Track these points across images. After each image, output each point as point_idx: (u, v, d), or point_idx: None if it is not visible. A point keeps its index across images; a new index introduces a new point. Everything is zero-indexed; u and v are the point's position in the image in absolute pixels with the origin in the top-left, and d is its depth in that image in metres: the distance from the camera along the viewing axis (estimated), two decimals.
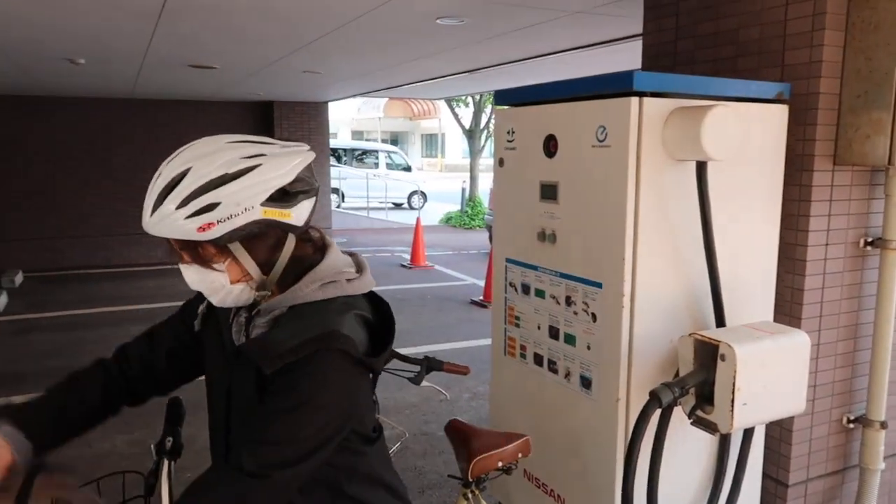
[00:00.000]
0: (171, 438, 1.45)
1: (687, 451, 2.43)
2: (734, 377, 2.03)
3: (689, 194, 2.27)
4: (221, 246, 1.18)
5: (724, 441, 2.47)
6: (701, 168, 2.24)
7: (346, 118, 32.48)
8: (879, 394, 2.71)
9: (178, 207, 1.13)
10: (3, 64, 6.41)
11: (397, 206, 19.93)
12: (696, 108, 2.18)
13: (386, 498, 1.33)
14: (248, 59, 6.34)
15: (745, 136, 2.30)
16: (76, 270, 9.87)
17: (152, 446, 1.52)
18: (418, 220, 11.16)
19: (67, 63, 6.31)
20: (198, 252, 1.19)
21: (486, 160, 18.60)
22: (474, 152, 17.63)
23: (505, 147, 2.83)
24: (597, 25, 4.66)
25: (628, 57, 5.51)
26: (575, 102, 2.45)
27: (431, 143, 38.93)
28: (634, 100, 2.19)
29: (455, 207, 17.63)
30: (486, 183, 16.28)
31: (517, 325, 2.79)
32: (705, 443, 2.48)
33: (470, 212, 16.54)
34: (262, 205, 1.15)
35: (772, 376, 2.12)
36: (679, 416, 2.25)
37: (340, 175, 18.14)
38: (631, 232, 2.24)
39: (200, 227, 1.13)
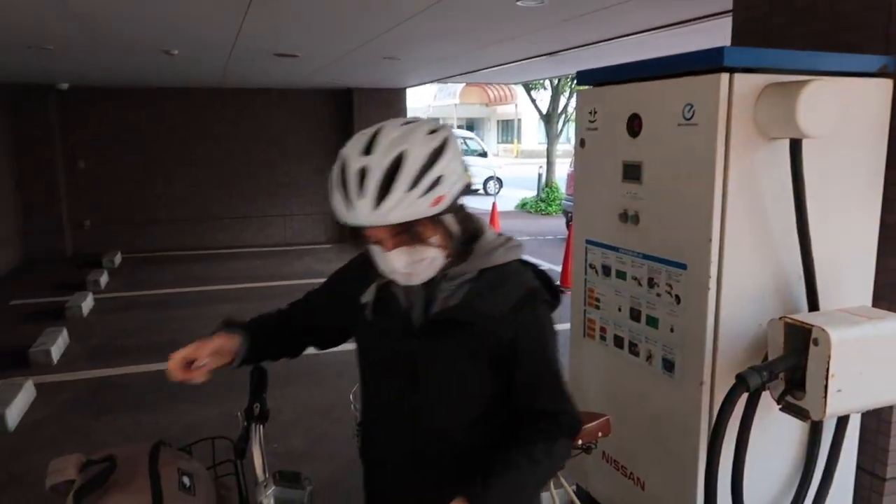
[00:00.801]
0: (258, 405, 1.52)
1: (775, 439, 2.36)
2: (828, 363, 1.95)
3: (782, 174, 2.18)
4: (436, 219, 1.24)
5: (816, 430, 2.38)
6: (795, 146, 2.15)
7: (422, 105, 32.71)
8: None
9: (410, 189, 1.17)
10: (104, 57, 6.80)
11: (473, 192, 19.89)
12: (792, 83, 2.09)
13: None
14: (330, 47, 6.48)
15: (845, 112, 2.18)
16: (169, 252, 10.41)
17: (240, 413, 1.59)
18: (494, 204, 11.17)
19: (163, 55, 6.64)
20: (417, 232, 1.23)
21: (564, 146, 18.35)
22: (551, 137, 17.40)
23: (587, 128, 2.79)
24: (681, 3, 4.51)
25: (711, 38, 5.30)
26: (661, 80, 2.39)
27: (507, 128, 38.68)
28: (724, 76, 2.13)
29: (531, 194, 17.48)
30: (562, 168, 16.08)
31: (597, 307, 2.77)
32: (795, 432, 2.39)
33: (547, 197, 16.37)
34: (464, 171, 1.26)
35: (870, 363, 2.02)
36: (767, 402, 2.18)
37: None
38: (718, 212, 2.18)
39: (433, 202, 1.19)
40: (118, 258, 9.55)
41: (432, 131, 1.22)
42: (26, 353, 5.31)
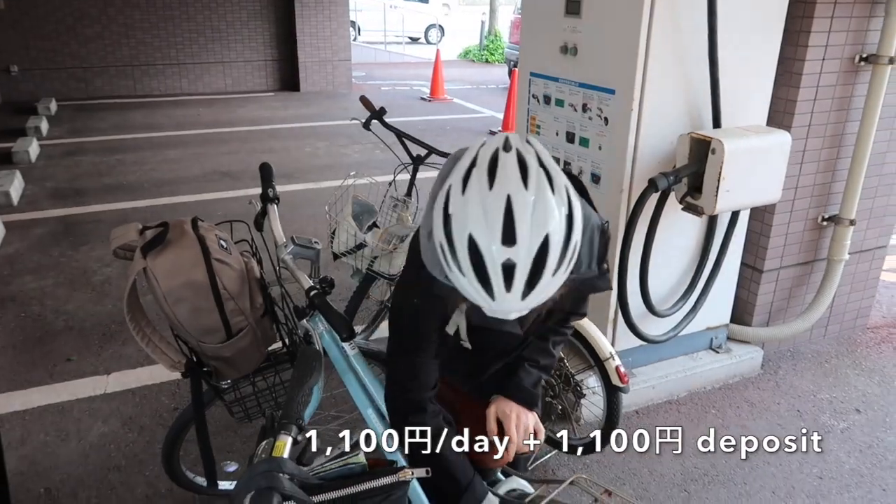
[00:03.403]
0: (270, 189, 1.87)
1: (678, 237, 2.87)
2: (721, 167, 2.42)
3: (699, 11, 2.51)
4: None
5: (711, 229, 2.90)
6: None
7: None
8: (853, 194, 3.11)
9: (555, 273, 1.12)
10: None
11: (413, 40, 19.50)
12: None
13: None
14: None
15: None
16: (104, 100, 10.12)
17: (252, 201, 1.94)
18: (437, 52, 11.14)
19: None
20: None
21: None
22: None
23: None
24: None
25: None
26: None
27: None
28: None
29: (474, 42, 17.27)
30: (506, 16, 15.85)
31: (538, 133, 3.14)
32: (694, 232, 2.91)
33: (490, 46, 16.25)
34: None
35: (753, 169, 2.51)
36: (674, 208, 2.67)
37: (356, 6, 17.63)
38: (643, 44, 2.52)
39: (571, 271, 1.18)
40: (53, 105, 9.28)
41: (551, 185, 1.08)
42: None
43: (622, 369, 2.36)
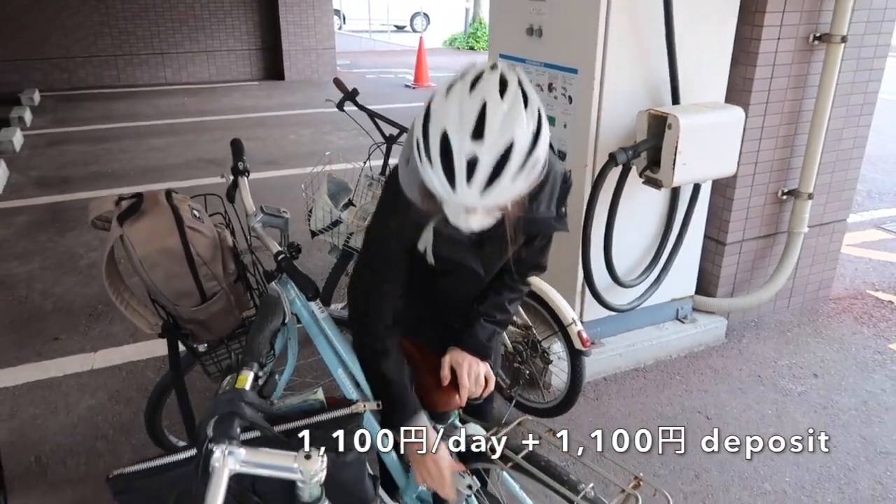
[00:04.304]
0: (241, 163, 1.97)
1: (641, 211, 2.99)
2: (677, 142, 2.54)
3: None
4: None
5: (673, 203, 3.03)
6: None
7: None
8: (811, 169, 3.24)
9: (515, 177, 1.18)
10: None
11: (399, 28, 19.51)
12: None
13: None
14: None
15: None
16: (88, 90, 10.14)
17: (223, 175, 2.04)
18: (421, 39, 11.20)
19: None
20: (508, 204, 1.27)
21: None
22: None
23: None
24: None
25: None
26: None
27: None
28: None
29: (459, 30, 17.31)
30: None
31: None
32: (657, 206, 3.04)
33: (475, 33, 16.30)
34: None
35: (709, 143, 2.63)
36: (636, 181, 2.78)
37: None
38: (603, 24, 2.63)
39: (531, 182, 1.24)
40: (37, 96, 9.30)
41: (525, 102, 1.18)
42: None
43: (584, 334, 2.49)
